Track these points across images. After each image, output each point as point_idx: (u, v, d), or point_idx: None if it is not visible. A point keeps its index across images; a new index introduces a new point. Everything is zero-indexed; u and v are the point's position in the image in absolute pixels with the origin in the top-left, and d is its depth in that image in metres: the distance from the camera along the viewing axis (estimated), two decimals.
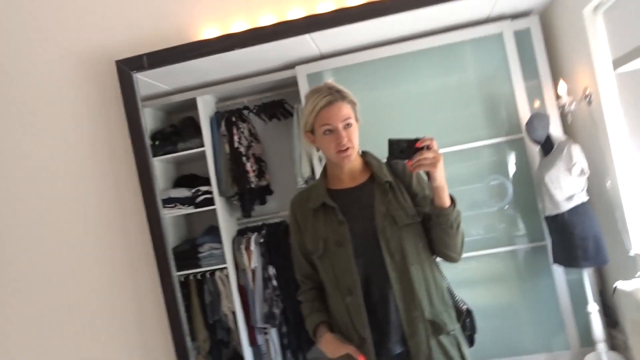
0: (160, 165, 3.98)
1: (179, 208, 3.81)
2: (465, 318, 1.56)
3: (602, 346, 2.93)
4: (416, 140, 1.45)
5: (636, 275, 2.53)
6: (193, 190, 3.90)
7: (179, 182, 4.14)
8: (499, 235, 3.54)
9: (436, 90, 3.62)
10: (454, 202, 1.45)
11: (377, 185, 1.49)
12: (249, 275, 3.71)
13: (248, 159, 3.89)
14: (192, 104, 3.81)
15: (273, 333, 3.69)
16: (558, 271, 3.31)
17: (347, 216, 1.46)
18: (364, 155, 1.54)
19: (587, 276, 3.04)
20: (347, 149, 1.46)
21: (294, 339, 3.67)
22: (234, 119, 3.91)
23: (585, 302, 3.04)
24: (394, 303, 1.42)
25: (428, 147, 1.42)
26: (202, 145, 3.81)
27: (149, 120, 3.97)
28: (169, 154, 3.90)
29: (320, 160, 1.67)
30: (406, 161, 1.45)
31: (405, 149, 1.43)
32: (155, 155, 3.86)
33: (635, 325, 2.34)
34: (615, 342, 3.20)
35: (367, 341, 1.39)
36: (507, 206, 3.54)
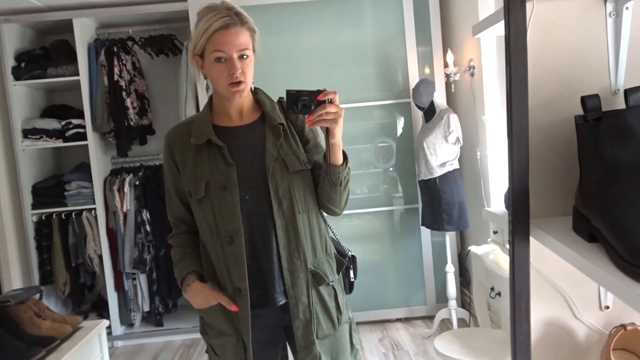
0: (25, 91, 3.56)
1: (45, 140, 3.46)
2: (349, 264, 1.55)
3: (453, 303, 3.17)
4: (318, 92, 1.32)
5: (487, 241, 2.74)
6: (63, 123, 3.54)
7: (48, 112, 3.74)
8: (381, 195, 3.65)
9: (334, 46, 3.57)
10: (346, 160, 1.38)
11: (268, 126, 1.38)
12: (120, 218, 3.50)
13: (129, 94, 3.60)
14: (68, 26, 3.40)
15: (142, 279, 3.55)
16: (425, 233, 3.50)
17: (234, 158, 1.34)
18: (256, 92, 1.40)
19: (449, 239, 3.25)
20: (240, 82, 1.31)
21: (164, 286, 3.57)
22: (115, 49, 3.56)
23: (444, 263, 3.25)
24: (277, 252, 1.36)
25: (331, 101, 1.31)
26: (77, 74, 3.45)
27: (15, 37, 3.50)
28: (36, 79, 3.49)
29: (207, 89, 1.50)
30: (306, 116, 1.33)
31: (307, 102, 1.30)
32: (18, 78, 3.44)
33: (480, 286, 2.54)
34: (465, 300, 3.49)
35: (242, 293, 1.33)
36: (391, 168, 3.65)
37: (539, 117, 0.79)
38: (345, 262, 1.51)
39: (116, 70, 3.50)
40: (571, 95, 0.79)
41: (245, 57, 1.34)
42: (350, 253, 1.56)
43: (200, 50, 1.32)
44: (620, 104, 0.68)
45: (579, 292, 0.83)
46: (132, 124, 3.55)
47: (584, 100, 0.71)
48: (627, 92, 0.64)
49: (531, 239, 0.75)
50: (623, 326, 0.77)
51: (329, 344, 1.42)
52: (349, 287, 1.55)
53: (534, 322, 0.82)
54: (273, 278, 1.38)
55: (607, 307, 0.85)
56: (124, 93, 3.51)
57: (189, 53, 1.40)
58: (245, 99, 1.40)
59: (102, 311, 3.58)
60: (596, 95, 0.71)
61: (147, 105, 3.74)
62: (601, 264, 0.60)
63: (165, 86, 3.79)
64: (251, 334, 1.39)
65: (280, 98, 1.50)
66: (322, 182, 1.39)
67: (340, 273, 1.51)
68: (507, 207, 0.80)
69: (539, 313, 0.83)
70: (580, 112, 0.73)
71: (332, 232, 1.55)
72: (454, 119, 3.07)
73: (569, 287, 0.83)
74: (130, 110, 3.55)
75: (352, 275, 1.55)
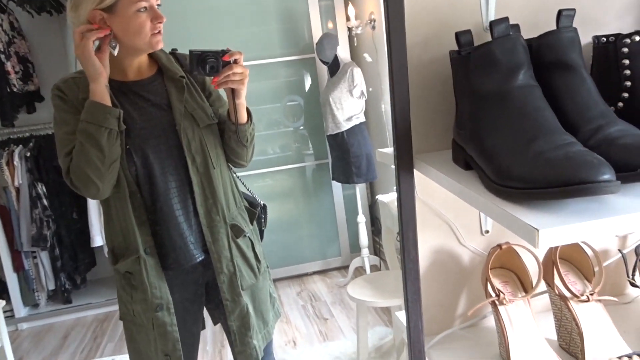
0: None
1: None
2: (261, 213, 1.56)
3: (365, 251, 3.32)
4: (223, 52, 1.26)
5: (393, 189, 2.86)
6: None
7: None
8: (292, 153, 3.67)
9: (234, 2, 3.44)
10: (250, 117, 1.36)
11: (168, 80, 1.30)
12: (13, 194, 3.23)
13: (8, 57, 3.26)
14: None
15: (43, 256, 3.33)
16: (336, 186, 3.59)
17: (137, 114, 1.25)
18: None
19: (359, 191, 3.35)
20: (160, 32, 1.23)
21: (69, 261, 3.38)
22: None
23: (356, 214, 3.36)
24: (194, 208, 1.32)
25: (236, 62, 1.26)
26: None
27: None
28: None
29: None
30: (212, 78, 1.27)
31: (214, 64, 1.24)
32: None
33: (388, 232, 2.67)
34: (377, 248, 3.66)
35: (149, 252, 1.27)
36: (301, 127, 3.66)
37: (418, 54, 0.82)
38: (257, 212, 1.52)
39: None
40: (448, 32, 0.82)
41: (159, 4, 1.26)
42: (261, 202, 1.57)
43: (112, 1, 1.20)
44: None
45: (462, 220, 0.89)
46: (15, 90, 3.24)
47: (457, 35, 0.75)
48: (492, 24, 0.68)
49: (416, 172, 0.79)
50: (499, 246, 0.84)
51: (251, 294, 1.43)
52: (260, 235, 1.57)
53: (422, 250, 0.88)
54: (191, 234, 1.35)
55: (487, 232, 0.92)
56: (2, 56, 3.17)
57: (77, 9, 1.25)
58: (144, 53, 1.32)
59: (1, 294, 3.33)
60: (468, 31, 0.75)
61: (31, 70, 3.41)
62: (475, 188, 0.65)
63: (51, 47, 3.47)
64: (174, 295, 1.37)
65: (172, 49, 1.43)
66: (229, 139, 1.38)
67: (254, 223, 1.51)
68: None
69: (427, 242, 0.88)
70: (456, 48, 0.76)
71: (242, 183, 1.55)
72: (357, 73, 3.12)
73: (453, 216, 0.88)
74: (12, 75, 3.22)
75: (262, 224, 1.58)
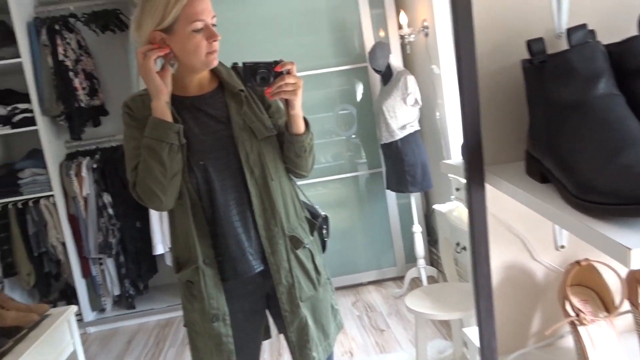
0: None
1: None
2: (322, 224, 1.56)
3: (422, 262, 3.25)
4: (275, 63, 1.28)
5: (450, 198, 2.79)
6: (9, 108, 3.37)
7: None
8: (345, 162, 3.67)
9: (285, 13, 3.50)
10: (308, 126, 1.37)
11: (228, 94, 1.34)
12: (81, 203, 3.40)
13: (77, 74, 3.45)
14: (2, 5, 3.21)
15: (109, 263, 3.48)
16: (391, 196, 3.55)
17: (198, 128, 1.30)
18: None
19: (414, 200, 3.30)
20: (216, 50, 1.28)
21: (133, 268, 3.51)
22: (57, 27, 3.39)
23: (411, 224, 3.31)
24: (253, 220, 1.35)
25: (288, 72, 1.28)
26: (18, 56, 3.28)
27: None
28: None
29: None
30: (265, 88, 1.29)
31: (265, 75, 1.27)
32: None
33: (446, 243, 2.61)
34: (433, 258, 3.58)
35: (209, 261, 1.31)
36: (354, 135, 3.66)
37: (487, 64, 0.80)
38: (318, 223, 1.51)
39: (60, 49, 3.34)
40: (518, 40, 0.79)
41: (215, 24, 1.30)
42: (322, 213, 1.56)
43: (170, 23, 1.24)
44: (564, 47, 0.68)
45: (536, 234, 0.85)
46: (82, 105, 3.42)
47: (529, 44, 0.72)
48: (570, 32, 0.65)
49: (487, 185, 0.76)
50: (577, 262, 0.80)
51: (311, 305, 1.42)
52: (323, 246, 1.56)
53: (494, 266, 0.85)
54: (250, 246, 1.37)
55: (563, 247, 0.88)
56: (71, 73, 3.36)
57: (139, 30, 1.30)
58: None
59: (71, 299, 3.51)
60: (540, 39, 0.72)
61: (96, 85, 3.60)
62: (553, 202, 0.62)
63: (114, 63, 3.64)
64: (234, 305, 1.39)
65: (234, 64, 1.46)
66: (287, 150, 1.38)
67: (315, 234, 1.50)
68: (463, 158, 0.81)
69: (499, 258, 0.85)
70: (527, 56, 0.74)
71: (303, 194, 1.55)
72: (410, 81, 3.08)
73: (526, 230, 0.85)
74: (80, 91, 3.41)
75: (325, 234, 1.56)
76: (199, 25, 1.25)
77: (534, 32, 0.80)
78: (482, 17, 0.79)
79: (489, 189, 0.80)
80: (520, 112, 0.80)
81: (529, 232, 0.85)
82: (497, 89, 0.80)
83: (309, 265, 1.43)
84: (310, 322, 1.41)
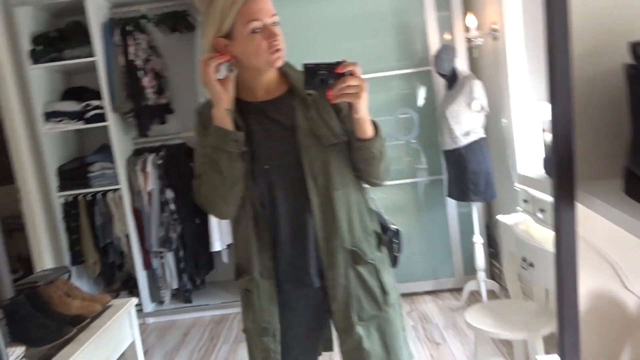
0: (43, 74, 3.55)
1: (66, 123, 3.47)
2: (392, 238, 1.47)
3: (482, 275, 3.12)
4: (337, 64, 1.22)
5: (516, 209, 2.65)
6: (83, 104, 3.54)
7: (67, 95, 3.75)
8: (404, 167, 3.59)
9: (349, 15, 3.46)
10: (377, 131, 1.29)
11: (297, 98, 1.30)
12: (145, 197, 3.52)
13: (146, 73, 3.57)
14: (80, 7, 3.37)
15: (169, 257, 3.58)
16: (451, 204, 3.43)
17: (264, 133, 1.27)
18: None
19: (475, 210, 3.17)
20: (280, 49, 1.24)
21: (191, 263, 3.60)
22: (129, 28, 3.52)
23: (472, 234, 3.18)
24: (314, 231, 1.31)
25: (351, 74, 1.22)
26: (93, 55, 3.43)
27: (29, 21, 3.48)
28: (53, 61, 3.48)
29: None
30: (326, 90, 1.24)
31: (324, 77, 1.21)
32: (36, 61, 3.43)
33: (510, 257, 2.47)
34: (494, 271, 3.42)
35: (267, 274, 1.28)
36: (414, 140, 3.57)
37: (582, 68, 0.72)
38: (387, 237, 1.42)
39: (131, 49, 3.47)
40: (618, 42, 0.71)
41: (276, 23, 1.26)
42: (393, 227, 1.47)
43: (228, 28, 1.22)
44: None
45: (630, 260, 0.77)
46: (150, 103, 3.54)
47: (633, 46, 0.64)
48: None
49: (577, 204, 0.69)
50: None
51: (377, 326, 1.34)
52: (394, 261, 1.47)
53: (579, 294, 0.77)
54: (309, 259, 1.32)
55: None
56: (140, 72, 3.49)
57: (204, 38, 1.29)
58: (272, 71, 1.32)
59: (132, 289, 3.64)
60: None
61: (164, 84, 3.71)
62: None
63: (182, 63, 3.74)
64: (295, 317, 1.36)
65: (304, 65, 1.41)
66: (354, 157, 1.30)
67: (384, 249, 1.41)
68: (546, 171, 0.74)
69: (585, 284, 0.77)
70: (629, 60, 0.66)
71: (376, 205, 1.45)
72: (477, 86, 2.96)
73: (618, 255, 0.76)
74: (148, 90, 3.53)
75: (395, 249, 1.46)
76: (257, 25, 1.20)
77: (637, 34, 0.72)
78: (578, 16, 0.71)
79: (578, 208, 0.72)
80: (619, 123, 0.71)
81: (622, 257, 0.77)
82: (593, 96, 0.72)
83: (373, 283, 1.33)
84: (367, 344, 1.32)
